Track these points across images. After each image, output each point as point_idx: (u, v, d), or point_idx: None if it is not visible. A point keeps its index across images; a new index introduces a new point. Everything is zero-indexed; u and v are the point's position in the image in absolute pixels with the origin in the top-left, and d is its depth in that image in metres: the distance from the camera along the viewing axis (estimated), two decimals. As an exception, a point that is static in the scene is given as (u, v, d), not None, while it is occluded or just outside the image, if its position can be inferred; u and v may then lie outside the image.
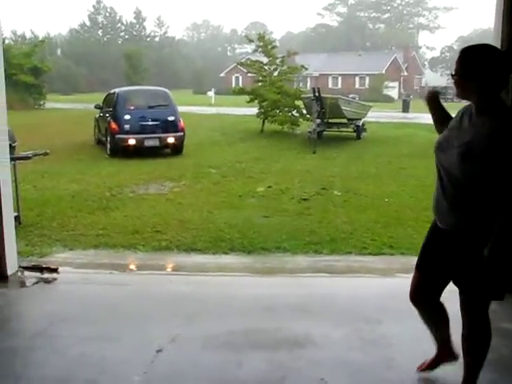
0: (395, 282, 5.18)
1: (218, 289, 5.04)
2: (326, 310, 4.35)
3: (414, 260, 6.19)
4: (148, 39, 78.82)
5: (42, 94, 35.87)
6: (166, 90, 16.36)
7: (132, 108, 14.83)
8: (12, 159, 5.97)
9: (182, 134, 14.89)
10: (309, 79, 49.72)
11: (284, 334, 3.96)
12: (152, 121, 14.60)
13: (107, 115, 15.18)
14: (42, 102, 35.32)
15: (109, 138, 14.69)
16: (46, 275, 5.10)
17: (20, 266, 5.19)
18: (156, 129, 14.58)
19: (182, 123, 14.99)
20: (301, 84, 36.73)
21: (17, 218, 6.30)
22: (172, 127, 14.80)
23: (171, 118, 14.85)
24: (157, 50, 70.55)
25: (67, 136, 17.77)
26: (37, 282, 4.96)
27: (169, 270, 6.17)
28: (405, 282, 5.41)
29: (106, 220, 7.65)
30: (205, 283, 5.28)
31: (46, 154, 7.96)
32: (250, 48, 23.67)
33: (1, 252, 4.88)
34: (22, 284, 4.97)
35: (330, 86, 54.64)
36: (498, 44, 4.83)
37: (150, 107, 14.95)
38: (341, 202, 9.13)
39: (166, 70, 64.71)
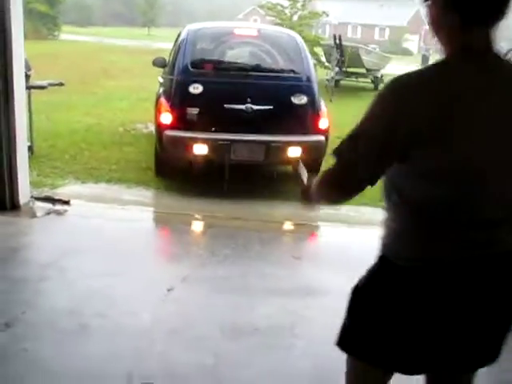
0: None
1: (231, 231, 4.97)
2: (340, 259, 4.28)
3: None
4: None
5: (56, 25, 35.39)
6: (295, 36, 7.04)
7: (210, 70, 6.24)
8: (27, 88, 5.82)
9: (322, 138, 6.17)
10: (327, 27, 48.57)
11: (298, 282, 3.95)
12: (255, 103, 5.99)
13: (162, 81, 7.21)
14: (56, 33, 34.86)
15: (157, 136, 6.41)
16: (58, 207, 5.06)
17: (32, 197, 5.14)
18: (263, 124, 6.03)
19: (323, 112, 6.34)
20: (319, 31, 35.89)
21: (29, 148, 6.18)
22: (301, 122, 6.17)
23: (301, 101, 6.19)
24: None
25: (82, 68, 17.47)
26: (48, 213, 4.93)
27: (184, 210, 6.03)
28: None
29: (119, 155, 7.55)
30: (224, 226, 5.12)
31: (61, 84, 7.78)
32: (270, -10, 22.86)
33: (14, 181, 4.81)
34: (34, 214, 4.92)
35: (349, 35, 53.43)
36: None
37: (253, 70, 6.30)
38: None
39: (181, 9, 63.51)
